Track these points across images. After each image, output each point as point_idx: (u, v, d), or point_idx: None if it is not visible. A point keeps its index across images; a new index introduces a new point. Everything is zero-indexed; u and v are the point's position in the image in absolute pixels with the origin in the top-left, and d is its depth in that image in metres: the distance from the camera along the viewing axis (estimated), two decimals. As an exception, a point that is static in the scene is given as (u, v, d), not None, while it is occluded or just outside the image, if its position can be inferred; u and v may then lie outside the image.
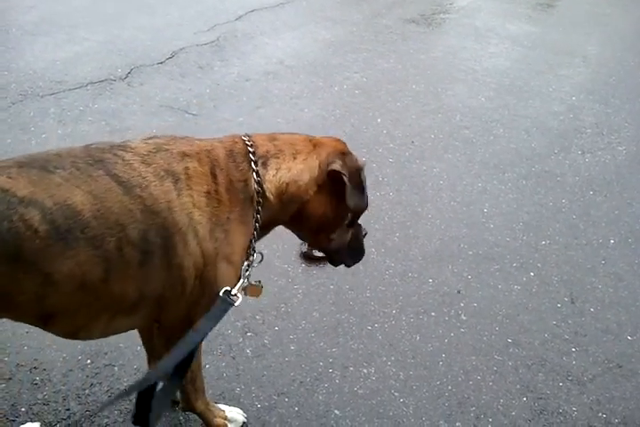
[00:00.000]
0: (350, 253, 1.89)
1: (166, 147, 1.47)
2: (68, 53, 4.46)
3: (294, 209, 1.66)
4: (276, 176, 1.57)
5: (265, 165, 1.56)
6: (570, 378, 2.46)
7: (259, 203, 1.55)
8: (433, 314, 2.67)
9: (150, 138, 1.51)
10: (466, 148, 3.98)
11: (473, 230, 3.22)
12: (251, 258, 1.61)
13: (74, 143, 3.34)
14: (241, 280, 1.57)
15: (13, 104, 3.75)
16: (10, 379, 2.08)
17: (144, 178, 1.39)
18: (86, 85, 4.06)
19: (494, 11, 6.73)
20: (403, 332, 2.56)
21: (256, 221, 1.57)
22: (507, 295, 2.82)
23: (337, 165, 1.62)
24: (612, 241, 3.28)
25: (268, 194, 1.57)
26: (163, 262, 1.41)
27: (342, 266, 1.97)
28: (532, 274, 2.97)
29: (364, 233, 1.91)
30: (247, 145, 1.56)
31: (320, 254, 2.81)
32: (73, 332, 1.50)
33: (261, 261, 1.67)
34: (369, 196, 3.32)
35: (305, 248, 2.84)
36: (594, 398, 2.39)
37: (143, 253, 1.38)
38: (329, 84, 4.60)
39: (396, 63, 5.09)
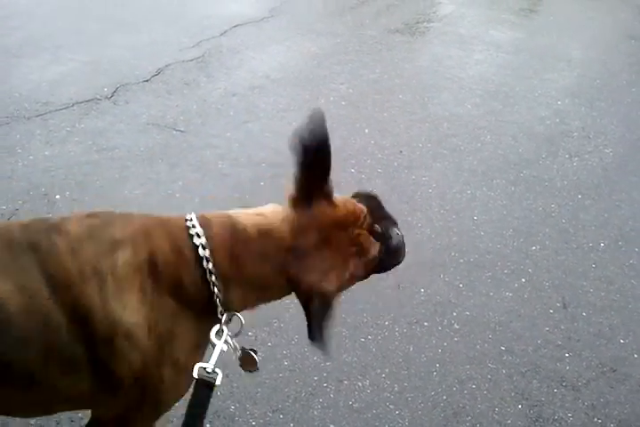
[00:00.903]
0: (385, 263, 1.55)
1: (98, 232, 1.24)
2: (54, 74, 4.46)
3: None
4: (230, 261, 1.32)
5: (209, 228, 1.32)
6: (564, 384, 2.46)
7: (214, 284, 1.28)
8: (426, 324, 2.67)
9: (91, 215, 1.29)
10: (454, 156, 3.99)
11: (463, 238, 3.23)
12: (223, 334, 1.34)
13: (61, 164, 3.38)
14: (217, 350, 1.32)
15: (-1, 127, 3.75)
16: (2, 405, 2.07)
17: (69, 275, 1.19)
18: (72, 106, 4.06)
19: (477, 18, 6.76)
20: (396, 343, 2.56)
21: (216, 305, 1.31)
22: (499, 302, 2.83)
23: None
24: (602, 244, 3.29)
25: (231, 286, 1.31)
26: (88, 368, 1.23)
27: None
28: (523, 280, 2.98)
29: (393, 232, 1.53)
30: (187, 219, 1.32)
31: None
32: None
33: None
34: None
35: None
36: (589, 403, 2.39)
37: (62, 360, 1.21)
38: (315, 96, 4.61)
39: (382, 73, 5.11)
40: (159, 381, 1.29)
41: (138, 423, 1.40)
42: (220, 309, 1.31)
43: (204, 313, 1.32)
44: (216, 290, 1.28)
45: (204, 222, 1.32)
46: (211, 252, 1.28)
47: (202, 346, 1.36)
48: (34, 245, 1.19)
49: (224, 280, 1.30)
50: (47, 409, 1.41)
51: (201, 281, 1.28)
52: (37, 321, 1.16)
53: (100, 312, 1.19)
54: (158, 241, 1.27)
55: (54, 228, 1.24)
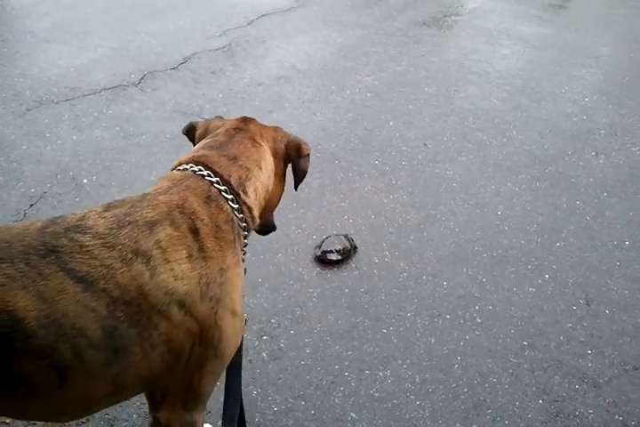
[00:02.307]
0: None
1: (128, 219, 1.27)
2: (82, 60, 4.49)
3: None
4: (257, 198, 1.52)
5: (245, 193, 1.47)
6: (586, 380, 2.45)
7: (245, 235, 1.49)
8: (448, 317, 2.67)
9: (108, 208, 1.30)
10: (479, 150, 3.98)
11: (487, 233, 3.22)
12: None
13: (88, 149, 3.41)
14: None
15: (28, 111, 3.78)
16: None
17: (108, 267, 1.20)
18: (100, 91, 4.09)
19: (505, 12, 6.71)
20: (418, 335, 2.57)
21: (243, 250, 1.50)
22: (522, 298, 2.82)
23: (307, 148, 1.67)
24: (626, 243, 3.27)
25: (256, 219, 1.52)
26: (143, 349, 1.24)
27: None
28: (546, 276, 2.97)
29: None
30: (213, 182, 1.42)
31: (335, 258, 2.83)
32: (47, 418, 1.43)
33: (244, 274, 1.56)
34: (383, 199, 3.33)
35: (319, 252, 2.85)
36: (610, 400, 2.38)
37: (113, 351, 1.21)
38: (341, 87, 4.61)
39: (408, 66, 5.09)
40: (218, 338, 1.34)
41: (202, 386, 1.40)
42: (244, 241, 1.49)
43: (240, 255, 1.44)
44: (242, 223, 1.46)
45: (209, 166, 1.45)
46: (245, 200, 1.46)
47: (242, 285, 1.46)
48: (53, 251, 1.18)
49: (247, 207, 1.48)
50: (84, 408, 1.37)
51: (239, 228, 1.44)
52: (66, 326, 1.15)
53: (151, 286, 1.22)
54: (191, 206, 1.35)
55: (74, 227, 1.23)
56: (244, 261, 1.50)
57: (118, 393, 1.32)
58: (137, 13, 5.49)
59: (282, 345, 2.42)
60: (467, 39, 5.82)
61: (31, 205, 2.98)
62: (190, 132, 1.69)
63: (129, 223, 1.26)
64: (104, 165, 3.35)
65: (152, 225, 1.27)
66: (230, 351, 1.42)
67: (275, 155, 1.60)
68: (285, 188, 1.69)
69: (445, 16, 6.36)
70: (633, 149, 4.21)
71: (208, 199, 1.38)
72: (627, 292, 2.94)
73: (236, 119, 1.64)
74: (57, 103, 3.90)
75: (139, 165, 3.38)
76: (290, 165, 1.67)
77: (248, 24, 5.51)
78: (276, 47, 5.14)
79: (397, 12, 6.28)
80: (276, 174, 1.60)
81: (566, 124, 4.43)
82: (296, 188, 1.70)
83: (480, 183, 3.63)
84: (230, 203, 1.42)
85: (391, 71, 4.97)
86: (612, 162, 4.02)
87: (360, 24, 5.87)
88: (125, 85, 4.21)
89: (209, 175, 1.43)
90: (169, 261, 1.25)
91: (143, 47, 4.81)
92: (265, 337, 2.43)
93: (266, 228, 1.77)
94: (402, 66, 5.08)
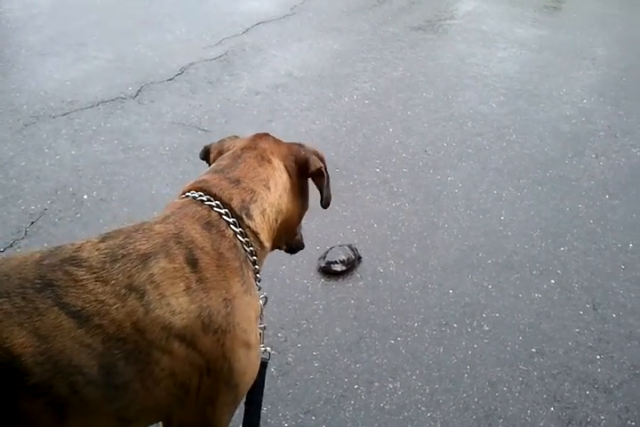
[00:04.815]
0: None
1: (122, 252, 1.22)
2: (78, 72, 4.49)
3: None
4: (265, 221, 1.44)
5: (250, 216, 1.40)
6: (596, 386, 2.44)
7: (254, 262, 1.41)
8: (455, 325, 2.65)
9: (104, 239, 1.26)
10: (479, 155, 3.97)
11: (491, 239, 3.20)
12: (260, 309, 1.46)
13: (88, 164, 3.39)
14: (264, 338, 1.48)
15: (26, 126, 3.77)
16: None
17: (102, 302, 1.15)
18: (97, 105, 4.08)
19: (500, 15, 6.71)
20: (426, 345, 2.55)
21: (256, 277, 1.43)
22: (528, 304, 2.81)
23: (317, 163, 1.55)
24: (630, 245, 3.26)
25: (265, 243, 1.44)
26: (145, 385, 1.20)
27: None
28: (552, 281, 2.95)
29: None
30: (213, 207, 1.36)
31: (339, 269, 2.81)
32: None
33: (265, 303, 1.55)
34: (385, 207, 3.31)
35: (323, 263, 2.84)
36: (622, 405, 2.37)
37: (112, 388, 1.17)
38: (338, 94, 4.60)
39: (405, 71, 5.08)
40: (229, 369, 1.29)
41: (217, 418, 1.36)
42: (255, 267, 1.42)
43: (252, 284, 1.37)
44: (248, 247, 1.38)
45: (207, 190, 1.40)
46: (248, 224, 1.40)
47: (257, 315, 1.41)
48: (49, 284, 1.14)
49: (252, 231, 1.41)
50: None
51: (245, 255, 1.37)
52: (61, 364, 1.11)
53: (147, 323, 1.17)
54: (188, 234, 1.29)
55: (69, 259, 1.20)
56: (260, 288, 1.45)
57: (124, 425, 1.29)
58: (132, 24, 5.48)
59: (290, 359, 2.40)
60: (462, 43, 5.82)
61: (32, 223, 2.97)
62: (206, 157, 1.62)
63: (122, 256, 1.21)
64: (104, 179, 3.33)
65: (145, 258, 1.22)
66: (245, 382, 1.37)
67: (288, 172, 1.53)
68: (306, 205, 1.63)
69: (440, 20, 6.36)
70: (633, 149, 4.20)
71: (208, 225, 1.33)
72: (633, 295, 2.92)
73: (249, 137, 1.56)
74: (54, 118, 3.88)
75: (138, 179, 3.37)
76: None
77: (244, 33, 5.51)
78: (272, 55, 5.13)
79: (393, 18, 6.28)
80: (292, 192, 1.53)
81: (565, 127, 4.43)
82: (322, 204, 1.60)
83: (481, 189, 3.61)
84: (233, 227, 1.35)
85: (388, 77, 4.96)
86: (612, 164, 4.01)
87: (355, 30, 5.87)
88: (123, 98, 4.20)
89: (208, 200, 1.37)
90: (164, 296, 1.20)
91: (139, 58, 4.80)
92: (273, 352, 2.41)
93: (294, 246, 1.73)
94: (399, 71, 5.07)
